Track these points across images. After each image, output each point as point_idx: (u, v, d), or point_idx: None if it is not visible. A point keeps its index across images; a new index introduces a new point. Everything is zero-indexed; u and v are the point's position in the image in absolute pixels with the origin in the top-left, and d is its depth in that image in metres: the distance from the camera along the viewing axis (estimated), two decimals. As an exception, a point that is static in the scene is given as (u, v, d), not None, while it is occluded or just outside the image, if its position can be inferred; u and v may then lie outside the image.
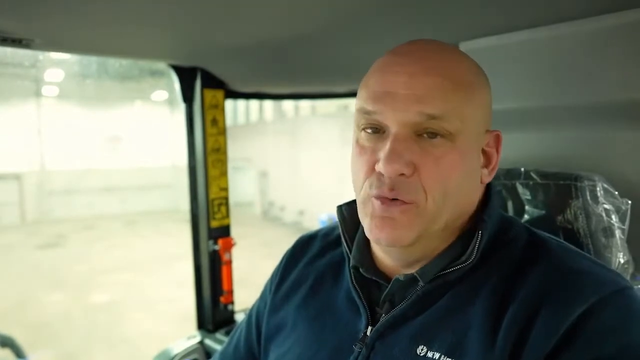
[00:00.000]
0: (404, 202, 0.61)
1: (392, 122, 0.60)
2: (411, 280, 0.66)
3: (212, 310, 1.55)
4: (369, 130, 0.63)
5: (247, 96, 1.70)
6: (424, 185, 0.60)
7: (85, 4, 0.81)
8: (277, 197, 15.67)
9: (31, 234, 13.78)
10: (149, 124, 17.47)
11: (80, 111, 16.51)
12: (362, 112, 0.63)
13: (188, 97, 1.51)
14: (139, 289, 8.67)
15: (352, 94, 1.79)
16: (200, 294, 1.58)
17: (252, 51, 1.18)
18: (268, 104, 16.00)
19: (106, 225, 14.86)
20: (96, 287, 8.88)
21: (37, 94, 15.85)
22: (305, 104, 14.25)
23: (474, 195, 0.67)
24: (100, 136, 16.94)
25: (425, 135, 0.61)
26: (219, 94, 1.52)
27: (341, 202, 0.76)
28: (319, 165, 12.69)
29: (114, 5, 0.82)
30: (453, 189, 0.61)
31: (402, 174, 0.60)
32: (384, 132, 0.62)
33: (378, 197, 0.61)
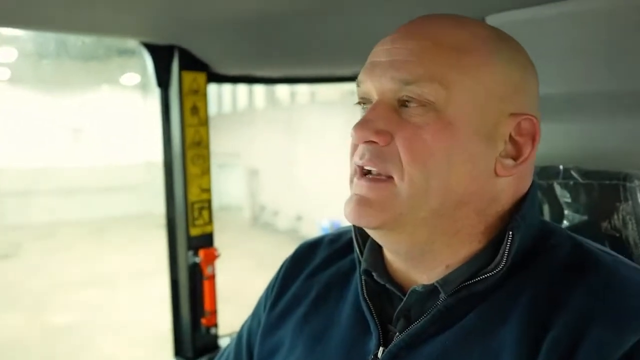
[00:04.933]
0: (378, 179, 0.65)
1: (372, 91, 0.66)
2: (431, 292, 0.66)
3: (192, 334, 1.54)
4: (362, 104, 0.69)
5: (234, 80, 1.70)
6: (400, 157, 0.63)
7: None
8: (270, 199, 15.69)
9: (-21, 243, 13.80)
10: (117, 113, 17.50)
11: (37, 97, 16.51)
12: (358, 83, 0.69)
13: (163, 81, 1.51)
14: (107, 309, 8.68)
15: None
16: (178, 314, 1.58)
17: (240, 26, 1.17)
18: (259, 89, 16.02)
19: (68, 233, 14.88)
20: (56, 306, 8.90)
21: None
22: (303, 89, 14.28)
23: (487, 187, 0.66)
24: (60, 128, 16.96)
25: (405, 104, 0.65)
26: (200, 77, 1.52)
27: None
28: (320, 163, 12.70)
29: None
30: (438, 168, 0.63)
31: (374, 142, 0.64)
32: (370, 102, 0.68)
33: (355, 171, 0.67)
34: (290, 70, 1.73)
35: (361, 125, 0.65)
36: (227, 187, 16.56)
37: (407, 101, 0.64)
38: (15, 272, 10.93)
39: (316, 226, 11.87)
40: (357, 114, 0.70)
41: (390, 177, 0.64)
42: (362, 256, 0.73)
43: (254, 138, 15.87)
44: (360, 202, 0.65)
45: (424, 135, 0.62)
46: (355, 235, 0.74)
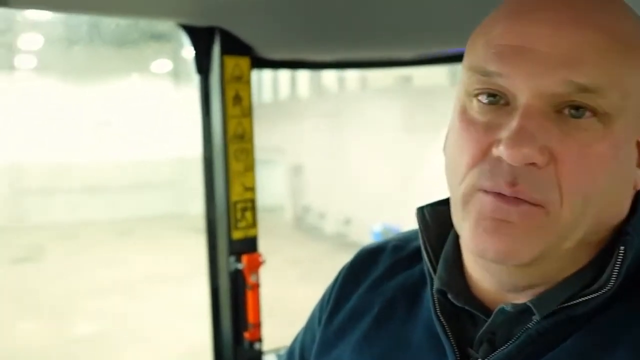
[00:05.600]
0: (529, 203, 0.57)
1: (524, 90, 0.57)
2: (521, 312, 0.63)
3: (234, 349, 1.56)
4: (485, 99, 0.60)
5: (280, 65, 1.71)
6: (560, 182, 0.57)
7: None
8: (315, 200, 15.75)
9: (1, 245, 14.47)
10: (146, 104, 17.96)
11: (62, 87, 17.17)
12: (478, 72, 0.61)
13: (203, 67, 1.54)
14: (133, 318, 8.93)
15: (421, 61, 1.77)
16: (218, 326, 1.60)
17: (287, 3, 1.18)
18: (303, 75, 16.10)
19: (92, 234, 15.42)
20: (79, 314, 9.23)
21: (10, 66, 16.61)
22: (352, 75, 14.22)
23: (624, 205, 0.63)
24: (85, 120, 17.56)
25: (567, 112, 0.57)
26: (244, 62, 1.53)
27: (422, 204, 0.74)
28: (372, 159, 12.66)
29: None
30: (598, 193, 0.58)
31: (532, 164, 0.56)
32: (507, 103, 0.59)
33: (490, 192, 0.58)
34: (344, 53, 1.72)
35: (520, 140, 0.55)
36: (267, 185, 16.73)
37: (575, 109, 0.57)
38: (37, 276, 11.40)
39: (367, 231, 11.83)
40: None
41: (542, 203, 0.58)
42: (434, 271, 0.70)
43: (298, 131, 15.95)
44: (508, 233, 0.58)
45: (591, 155, 0.57)
46: (425, 246, 0.71)
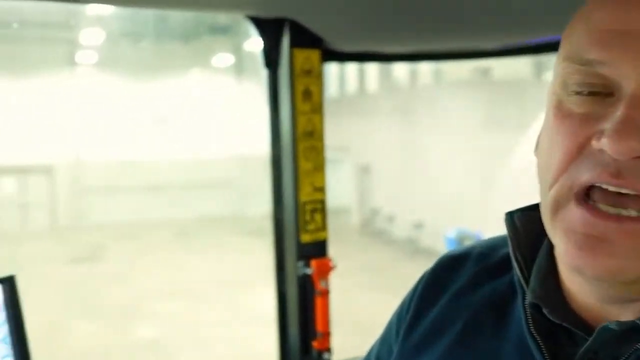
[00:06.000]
0: (631, 220, 0.56)
1: (630, 78, 0.56)
2: (629, 331, 0.61)
3: (301, 358, 1.58)
4: (584, 91, 0.59)
5: (352, 57, 1.71)
6: None
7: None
8: (384, 202, 15.67)
9: (63, 244, 15.23)
10: (207, 99, 18.41)
11: (123, 83, 17.87)
12: (575, 61, 0.59)
13: (272, 61, 1.56)
14: (195, 323, 9.18)
15: (506, 52, 1.72)
16: (285, 334, 1.62)
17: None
18: (371, 68, 16.04)
19: (152, 234, 15.97)
20: (141, 317, 9.57)
21: (71, 62, 17.46)
22: (425, 67, 14.06)
23: None
24: (146, 117, 18.19)
25: None
26: (314, 55, 1.55)
27: (512, 209, 0.72)
28: (447, 158, 12.46)
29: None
30: None
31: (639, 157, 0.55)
32: (609, 94, 0.58)
33: (582, 205, 0.58)
34: (420, 45, 1.70)
35: (628, 130, 0.54)
36: (332, 186, 16.78)
37: None
38: (98, 277, 11.91)
39: (440, 236, 11.65)
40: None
41: None
42: (526, 283, 0.68)
43: (366, 128, 15.91)
44: (607, 250, 0.57)
45: None
46: (515, 254, 0.69)
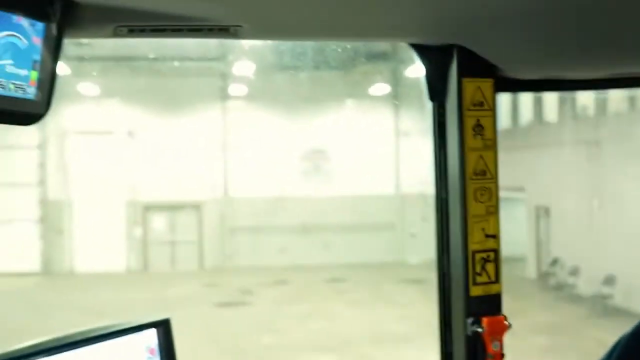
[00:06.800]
0: None
1: None
2: None
3: None
4: None
5: (530, 86, 1.68)
6: None
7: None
8: (566, 250, 14.94)
9: (210, 286, 16.12)
10: (363, 132, 18.74)
11: (271, 116, 18.81)
12: None
13: (438, 92, 1.57)
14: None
15: None
16: (452, 403, 1.59)
17: (540, 14, 1.16)
18: (550, 95, 15.51)
19: (303, 280, 16.38)
20: (289, 370, 9.81)
21: (223, 96, 18.75)
22: (617, 93, 13.33)
23: None
24: (297, 150, 18.92)
25: None
26: (486, 85, 1.54)
27: None
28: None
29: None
30: None
31: None
32: None
33: None
34: (612, 69, 1.63)
35: None
36: (504, 231, 16.29)
37: None
38: (243, 324, 12.41)
39: (636, 295, 10.89)
40: None
41: None
42: None
43: (544, 163, 15.35)
44: None
45: None
46: None
